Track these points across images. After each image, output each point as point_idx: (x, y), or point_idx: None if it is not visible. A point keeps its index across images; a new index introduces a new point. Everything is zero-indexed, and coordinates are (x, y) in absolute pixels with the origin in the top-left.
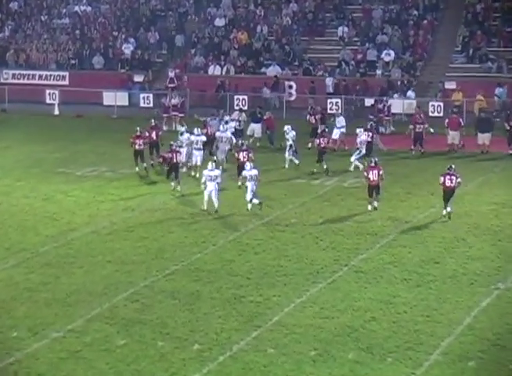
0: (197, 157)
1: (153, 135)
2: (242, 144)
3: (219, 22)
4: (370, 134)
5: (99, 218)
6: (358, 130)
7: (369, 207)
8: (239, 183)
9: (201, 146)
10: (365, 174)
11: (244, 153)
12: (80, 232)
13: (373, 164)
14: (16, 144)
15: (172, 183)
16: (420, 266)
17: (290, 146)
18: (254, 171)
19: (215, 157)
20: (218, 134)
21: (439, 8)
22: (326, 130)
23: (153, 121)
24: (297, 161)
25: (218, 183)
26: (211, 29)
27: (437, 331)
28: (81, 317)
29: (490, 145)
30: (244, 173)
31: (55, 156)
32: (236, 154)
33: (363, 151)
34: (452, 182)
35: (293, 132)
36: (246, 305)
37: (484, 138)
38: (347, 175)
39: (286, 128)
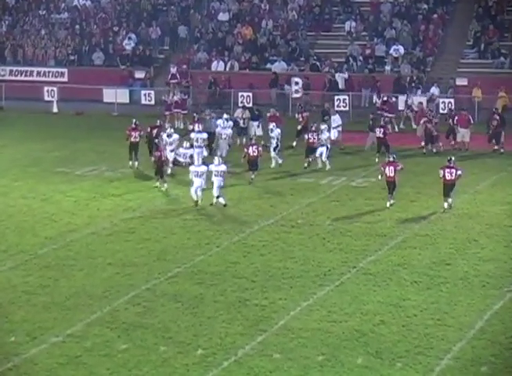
0: (199, 154)
1: (154, 133)
2: (251, 138)
3: (223, 16)
4: (382, 130)
5: (99, 219)
6: (322, 126)
7: (388, 204)
8: (251, 178)
9: (201, 144)
10: (382, 169)
11: (254, 147)
12: (79, 233)
13: (391, 160)
14: (13, 143)
15: (165, 184)
16: (430, 268)
17: (277, 144)
18: (223, 167)
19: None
20: (218, 130)
21: (450, 1)
22: (315, 124)
23: (158, 121)
24: (280, 161)
25: (204, 179)
26: (215, 24)
27: (448, 335)
28: (80, 321)
29: (504, 143)
30: (211, 167)
31: (54, 155)
32: (246, 149)
33: (328, 146)
34: (451, 175)
35: (278, 130)
36: (251, 308)
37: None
38: (356, 175)
39: (272, 125)
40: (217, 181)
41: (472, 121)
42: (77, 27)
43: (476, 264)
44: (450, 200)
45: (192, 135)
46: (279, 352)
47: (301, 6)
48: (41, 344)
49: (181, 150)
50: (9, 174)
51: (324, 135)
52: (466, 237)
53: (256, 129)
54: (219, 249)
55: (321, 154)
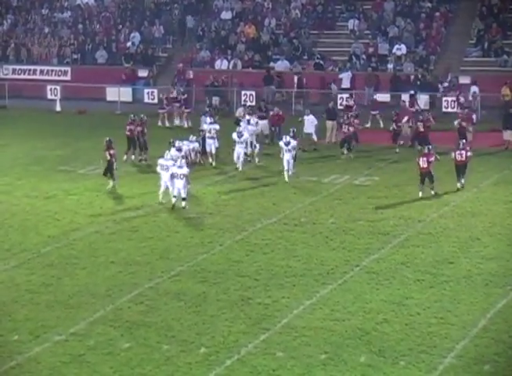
0: (211, 145)
1: (144, 129)
2: (289, 130)
3: (226, 15)
4: (422, 124)
5: (102, 217)
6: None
7: (420, 194)
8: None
9: (214, 135)
10: (417, 160)
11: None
12: (82, 232)
13: (425, 151)
14: (16, 141)
15: (111, 182)
16: (433, 267)
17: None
18: (185, 170)
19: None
20: (242, 125)
21: None
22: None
23: (142, 115)
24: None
25: (186, 182)
26: (218, 22)
27: (451, 334)
28: (83, 320)
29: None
30: (172, 169)
31: (57, 153)
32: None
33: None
34: (462, 157)
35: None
36: (254, 307)
37: (510, 135)
38: (358, 173)
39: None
40: (178, 183)
41: (474, 121)
42: (80, 25)
43: (479, 262)
44: (463, 180)
45: (205, 126)
46: (283, 351)
47: (304, 5)
48: (44, 342)
49: (184, 143)
50: (11, 172)
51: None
52: (469, 236)
53: (262, 127)
54: (222, 248)
55: (239, 155)
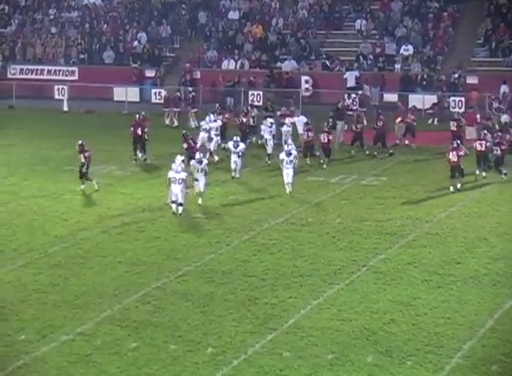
0: (215, 143)
1: (139, 130)
2: (308, 123)
3: (233, 15)
4: (456, 123)
5: (109, 217)
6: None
7: (451, 189)
8: (323, 166)
9: (217, 132)
10: (447, 155)
11: (324, 134)
12: (89, 232)
13: (454, 146)
14: (23, 141)
15: (82, 186)
16: (440, 267)
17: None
18: (183, 175)
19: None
20: (262, 130)
21: None
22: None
23: (138, 115)
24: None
25: (183, 187)
26: (225, 22)
27: (458, 334)
28: (90, 320)
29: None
30: (170, 174)
31: (64, 153)
32: (303, 133)
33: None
34: (482, 147)
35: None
36: (261, 307)
37: None
38: (365, 173)
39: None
40: (176, 188)
41: (479, 120)
42: (88, 25)
43: (486, 262)
44: (484, 173)
45: (211, 124)
46: (289, 351)
47: (312, 5)
48: (52, 342)
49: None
50: (18, 172)
51: (241, 146)
52: (476, 236)
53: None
54: (229, 248)
55: (235, 164)
